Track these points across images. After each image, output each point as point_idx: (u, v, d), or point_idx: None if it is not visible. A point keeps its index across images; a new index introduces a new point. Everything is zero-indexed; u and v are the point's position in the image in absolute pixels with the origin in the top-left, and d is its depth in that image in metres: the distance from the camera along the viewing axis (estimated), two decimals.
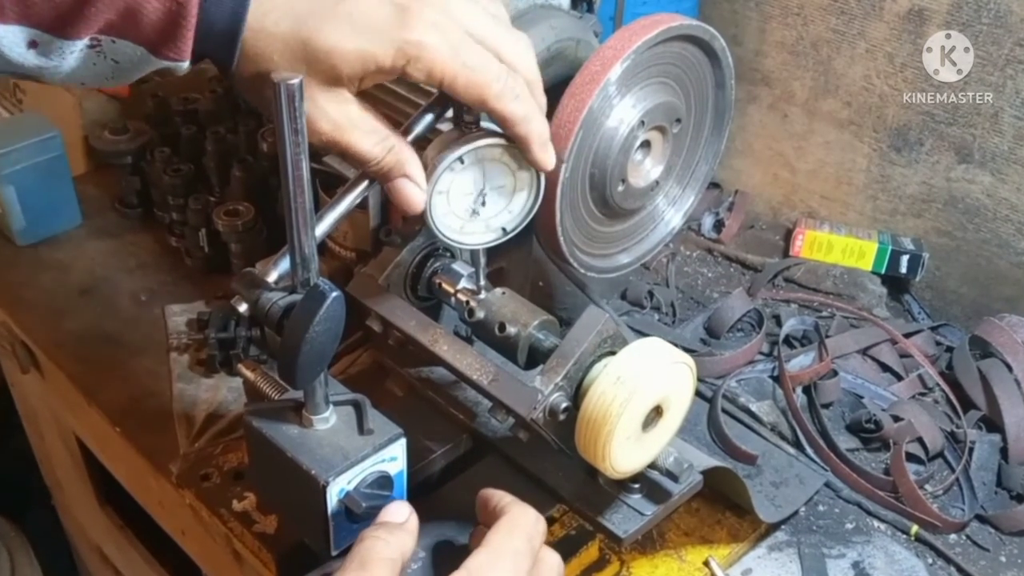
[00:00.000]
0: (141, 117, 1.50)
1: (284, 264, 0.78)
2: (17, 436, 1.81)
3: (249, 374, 0.86)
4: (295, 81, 0.67)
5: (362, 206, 1.07)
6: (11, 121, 1.57)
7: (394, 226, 1.06)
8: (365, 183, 0.84)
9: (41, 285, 1.35)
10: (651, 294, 1.36)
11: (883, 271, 1.41)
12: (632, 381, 0.80)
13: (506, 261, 1.06)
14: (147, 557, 1.33)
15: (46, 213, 1.40)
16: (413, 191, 0.79)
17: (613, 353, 0.84)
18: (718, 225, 1.53)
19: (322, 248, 1.19)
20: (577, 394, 0.85)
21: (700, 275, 1.45)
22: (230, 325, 1.18)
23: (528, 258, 1.07)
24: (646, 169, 0.99)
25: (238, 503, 0.98)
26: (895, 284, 1.43)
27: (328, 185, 1.13)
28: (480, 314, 0.92)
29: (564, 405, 0.84)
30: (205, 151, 1.40)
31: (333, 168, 1.12)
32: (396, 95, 1.00)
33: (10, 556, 1.73)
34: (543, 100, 0.81)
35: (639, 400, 0.81)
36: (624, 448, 0.83)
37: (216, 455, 1.06)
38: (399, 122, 0.82)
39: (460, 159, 0.80)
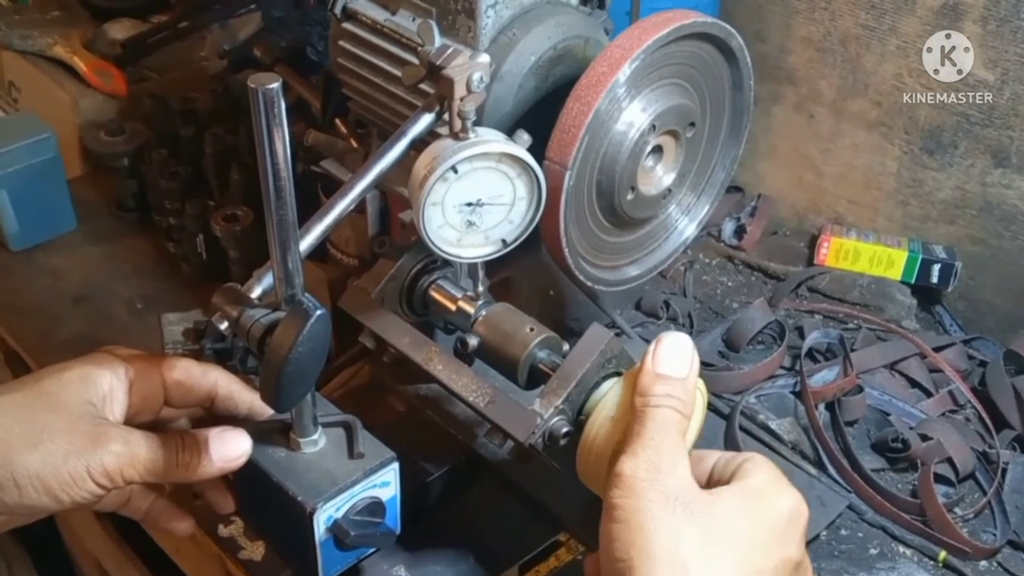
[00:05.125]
0: (139, 117, 1.50)
1: (268, 279, 0.78)
2: None
3: None
4: (273, 86, 0.65)
5: (361, 210, 1.05)
6: (4, 121, 1.57)
7: (391, 236, 1.03)
8: (357, 191, 0.81)
9: (34, 292, 1.34)
10: (667, 304, 1.34)
11: (913, 281, 1.39)
12: None
13: (513, 270, 1.04)
14: (144, 573, 1.32)
15: (40, 217, 1.39)
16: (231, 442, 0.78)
17: (618, 374, 0.82)
18: (739, 231, 1.50)
19: (323, 254, 1.17)
20: (579, 418, 0.82)
21: (719, 284, 1.43)
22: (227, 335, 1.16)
23: (537, 266, 1.05)
24: (657, 176, 0.97)
25: (224, 528, 0.97)
26: (926, 295, 1.40)
27: (329, 189, 1.10)
28: (479, 331, 0.89)
29: (565, 430, 0.81)
30: (204, 153, 1.38)
31: (331, 172, 1.10)
32: (393, 95, 0.98)
33: (9, 568, 1.74)
34: None
35: None
36: None
37: None
38: (397, 124, 0.79)
39: (453, 168, 0.78)
